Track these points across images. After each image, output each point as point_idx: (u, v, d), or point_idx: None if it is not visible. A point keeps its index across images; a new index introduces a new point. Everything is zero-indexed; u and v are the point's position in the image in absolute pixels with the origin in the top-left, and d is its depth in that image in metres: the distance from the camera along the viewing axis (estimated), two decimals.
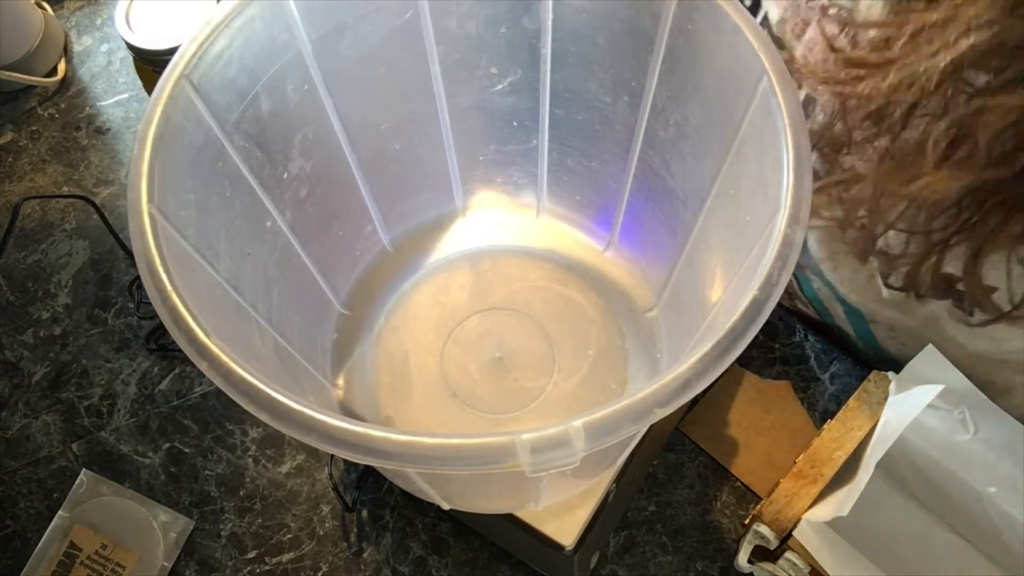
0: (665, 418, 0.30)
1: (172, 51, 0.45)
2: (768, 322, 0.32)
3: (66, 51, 0.76)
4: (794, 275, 0.57)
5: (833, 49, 0.39)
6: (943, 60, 0.33)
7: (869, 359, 0.61)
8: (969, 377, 0.49)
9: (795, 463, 0.50)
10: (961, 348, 0.49)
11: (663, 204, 0.49)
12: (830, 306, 0.56)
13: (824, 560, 0.46)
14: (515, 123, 0.51)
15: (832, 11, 0.41)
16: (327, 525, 0.57)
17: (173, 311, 0.32)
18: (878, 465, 0.45)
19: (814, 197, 0.38)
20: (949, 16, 0.32)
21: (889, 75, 0.35)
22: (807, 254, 0.53)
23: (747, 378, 0.60)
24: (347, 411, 0.51)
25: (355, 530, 0.57)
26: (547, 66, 0.47)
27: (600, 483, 0.45)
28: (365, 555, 0.56)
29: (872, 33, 0.37)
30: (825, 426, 0.51)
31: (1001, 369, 0.49)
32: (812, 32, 0.42)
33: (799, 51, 0.43)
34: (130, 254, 0.66)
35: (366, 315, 0.54)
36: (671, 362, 0.49)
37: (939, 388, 0.47)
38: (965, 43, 0.32)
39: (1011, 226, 0.36)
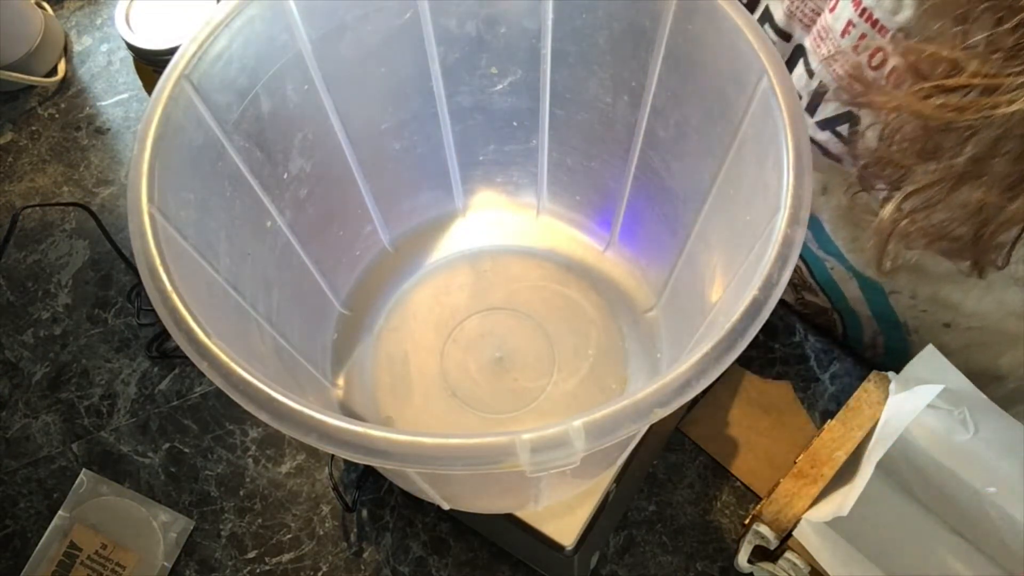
0: (665, 418, 0.30)
1: (172, 51, 0.45)
2: (768, 322, 0.32)
3: (66, 51, 0.76)
4: (803, 261, 0.58)
5: (929, 85, 0.38)
6: None
7: (874, 354, 0.62)
8: (968, 345, 0.49)
9: (795, 463, 0.50)
10: (966, 308, 0.50)
11: (663, 204, 0.49)
12: (844, 286, 0.56)
13: (824, 560, 0.46)
14: (515, 123, 0.51)
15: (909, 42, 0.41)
16: (327, 525, 0.57)
17: (173, 311, 0.32)
18: (878, 465, 0.45)
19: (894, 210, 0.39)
20: None
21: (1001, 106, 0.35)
22: (824, 237, 0.54)
23: (747, 378, 0.60)
24: (347, 411, 0.51)
25: (355, 530, 0.57)
26: (547, 66, 0.47)
27: (600, 483, 0.45)
28: (365, 555, 0.56)
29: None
30: (825, 426, 0.51)
31: (1002, 326, 0.50)
32: (894, 63, 0.42)
33: (869, 75, 0.43)
34: (127, 261, 0.66)
35: (366, 315, 0.54)
36: (671, 362, 0.49)
37: (939, 388, 0.47)
38: None
39: None
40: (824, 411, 0.59)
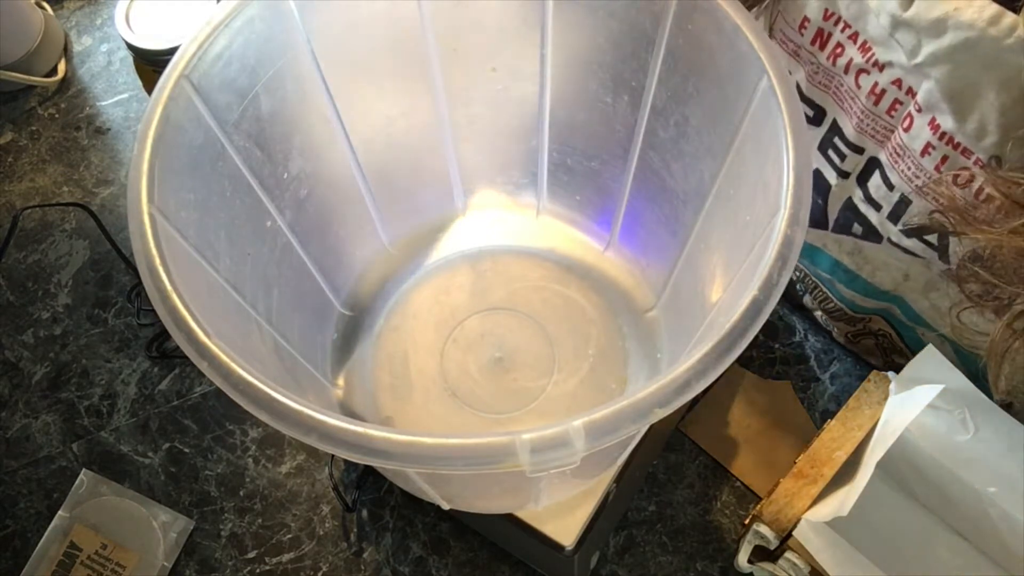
0: (665, 418, 0.30)
1: (172, 51, 0.45)
2: (768, 322, 0.32)
3: (66, 51, 0.76)
4: (892, 328, 0.56)
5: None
6: None
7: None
8: None
9: (795, 463, 0.50)
10: None
11: (663, 204, 0.49)
12: (940, 351, 0.54)
13: (824, 560, 0.46)
14: (515, 123, 0.51)
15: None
16: (327, 525, 0.57)
17: (173, 311, 0.32)
18: (878, 465, 0.45)
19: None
20: None
21: None
22: (911, 312, 0.53)
23: (747, 378, 0.60)
24: (347, 411, 0.51)
25: (355, 530, 0.57)
26: (547, 66, 0.47)
27: (600, 483, 0.45)
28: (365, 555, 0.56)
29: None
30: (825, 426, 0.51)
31: None
32: (982, 183, 0.40)
33: (958, 194, 0.41)
34: (127, 261, 0.66)
35: (366, 315, 0.54)
36: (671, 362, 0.49)
37: (939, 388, 0.47)
38: None
39: None
40: (824, 411, 0.59)
